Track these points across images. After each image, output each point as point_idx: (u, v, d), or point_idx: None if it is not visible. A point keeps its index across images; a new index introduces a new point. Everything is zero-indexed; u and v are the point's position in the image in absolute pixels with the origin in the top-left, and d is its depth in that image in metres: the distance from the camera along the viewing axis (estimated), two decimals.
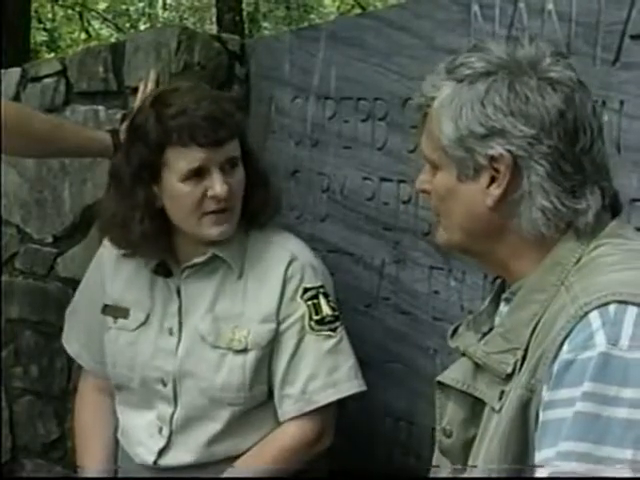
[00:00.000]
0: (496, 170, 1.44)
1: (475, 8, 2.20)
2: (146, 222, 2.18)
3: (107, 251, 2.37)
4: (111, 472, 2.40)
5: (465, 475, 1.53)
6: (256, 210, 2.25)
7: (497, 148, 1.43)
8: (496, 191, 1.45)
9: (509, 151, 1.42)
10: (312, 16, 14.48)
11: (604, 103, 1.93)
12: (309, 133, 2.65)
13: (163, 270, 2.27)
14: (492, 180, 1.45)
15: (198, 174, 2.14)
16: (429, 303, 2.37)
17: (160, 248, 2.23)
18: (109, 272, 2.36)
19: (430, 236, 2.35)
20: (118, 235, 2.25)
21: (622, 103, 1.93)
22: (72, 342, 2.49)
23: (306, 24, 11.04)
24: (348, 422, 2.35)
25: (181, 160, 2.13)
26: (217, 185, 2.14)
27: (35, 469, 3.32)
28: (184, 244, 2.24)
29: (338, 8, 14.78)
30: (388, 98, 2.42)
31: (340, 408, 2.28)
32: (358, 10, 11.89)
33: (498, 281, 1.61)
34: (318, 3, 15.17)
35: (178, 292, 2.26)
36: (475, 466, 1.49)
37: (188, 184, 2.14)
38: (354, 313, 2.42)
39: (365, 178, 2.51)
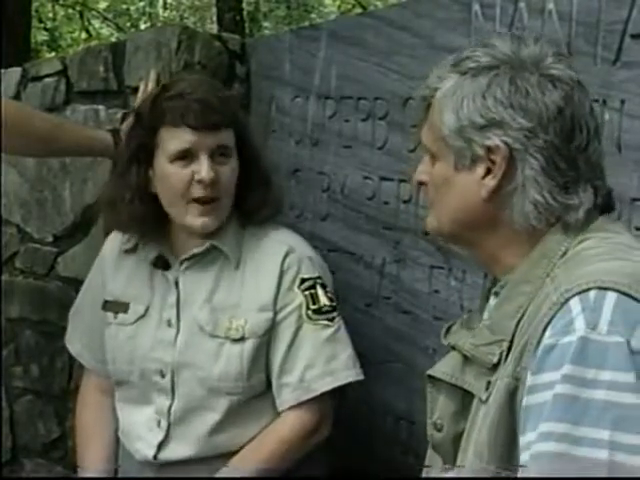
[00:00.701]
0: (492, 162, 1.47)
1: (476, 7, 2.20)
2: (136, 203, 2.21)
3: (109, 249, 2.41)
4: (111, 472, 2.40)
5: (454, 472, 1.54)
6: (253, 208, 2.27)
7: (494, 139, 1.45)
8: (491, 182, 1.47)
9: (505, 143, 1.45)
10: (312, 15, 14.49)
11: (605, 102, 1.93)
12: (309, 132, 2.66)
13: (162, 263, 2.29)
14: (488, 172, 1.48)
15: (187, 157, 2.17)
16: (429, 302, 2.37)
17: (151, 233, 2.26)
18: (110, 271, 2.38)
19: (430, 235, 2.35)
20: (108, 214, 2.30)
21: (623, 102, 1.93)
22: (74, 342, 2.50)
23: (306, 23, 11.03)
24: (348, 421, 2.35)
25: (172, 141, 2.18)
26: (203, 170, 2.16)
27: (35, 469, 3.32)
28: (181, 236, 2.26)
29: (339, 7, 14.78)
30: (388, 97, 2.43)
31: (340, 407, 2.28)
32: (359, 9, 11.89)
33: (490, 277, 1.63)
34: (318, 2, 15.17)
35: (176, 284, 2.28)
36: (463, 466, 1.50)
37: (176, 165, 2.18)
38: (354, 312, 2.42)
39: (365, 177, 2.51)
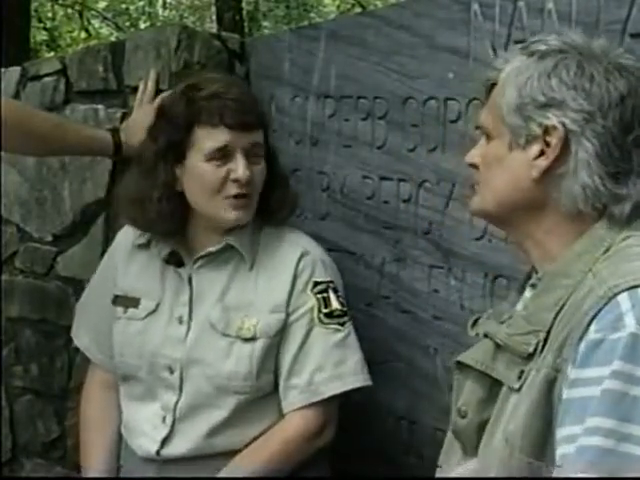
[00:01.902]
0: (547, 143, 1.48)
1: (475, 7, 2.20)
2: (164, 202, 2.22)
3: (120, 243, 2.42)
4: (114, 470, 2.40)
5: (472, 463, 1.54)
6: (273, 208, 2.30)
7: (552, 119, 1.47)
8: (543, 163, 1.48)
9: (563, 124, 1.46)
10: (312, 15, 14.48)
11: None
12: (309, 132, 2.65)
13: (175, 260, 2.31)
14: (541, 153, 1.49)
15: (223, 156, 2.19)
16: (429, 302, 2.37)
17: (174, 231, 2.27)
18: (121, 265, 2.39)
19: (430, 235, 2.35)
20: (135, 213, 2.29)
21: None
22: (81, 335, 2.51)
23: (306, 23, 11.03)
24: (349, 421, 2.35)
25: (208, 140, 2.19)
26: (240, 168, 2.19)
27: (35, 468, 3.32)
28: (198, 234, 2.27)
29: (338, 7, 14.77)
30: (388, 97, 2.43)
31: (341, 407, 2.28)
32: (358, 9, 11.88)
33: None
34: (318, 2, 15.16)
35: (190, 281, 2.28)
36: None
37: (212, 164, 2.20)
38: (354, 312, 2.42)
39: (365, 177, 2.51)
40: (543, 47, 1.51)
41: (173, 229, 2.27)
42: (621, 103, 1.46)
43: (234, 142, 2.19)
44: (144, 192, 2.24)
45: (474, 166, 1.61)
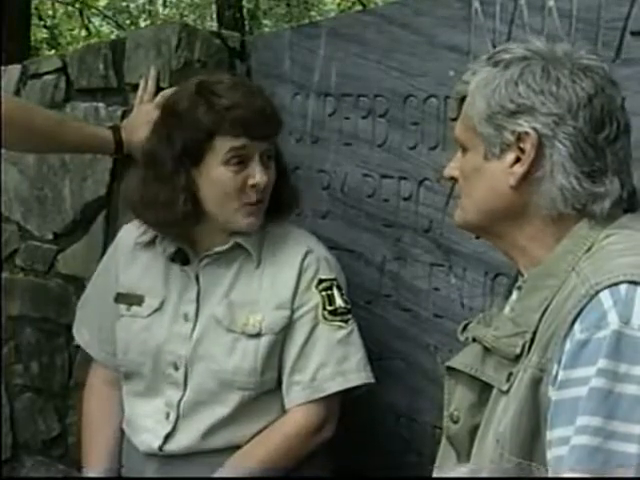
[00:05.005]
0: (521, 150, 1.49)
1: (476, 5, 2.20)
2: (189, 204, 2.21)
3: (123, 241, 2.41)
4: (115, 469, 2.40)
5: (468, 467, 1.55)
6: (282, 204, 2.30)
7: (524, 125, 1.48)
8: (519, 169, 1.50)
9: (535, 129, 1.48)
10: (312, 13, 14.48)
11: None
12: (309, 130, 2.65)
13: (180, 258, 2.31)
14: (517, 160, 1.50)
15: (240, 161, 2.19)
16: (430, 300, 2.37)
17: (187, 232, 2.26)
18: (123, 262, 2.39)
19: (431, 233, 2.35)
20: (158, 216, 2.24)
21: (623, 100, 1.92)
22: (83, 332, 2.51)
23: (306, 21, 11.03)
24: (349, 418, 2.35)
25: (228, 147, 2.18)
26: (258, 174, 2.19)
27: (35, 466, 3.32)
28: (206, 233, 2.27)
29: (338, 5, 14.77)
30: (389, 95, 2.43)
31: (341, 403, 2.28)
32: (358, 7, 11.88)
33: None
34: (318, 0, 15.17)
35: (197, 279, 2.29)
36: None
37: (230, 169, 2.19)
38: (355, 310, 2.42)
39: (365, 175, 2.51)
40: (507, 56, 1.52)
41: (188, 230, 2.27)
42: (589, 103, 1.48)
43: (252, 150, 2.20)
44: (166, 196, 2.21)
45: (453, 179, 1.62)
